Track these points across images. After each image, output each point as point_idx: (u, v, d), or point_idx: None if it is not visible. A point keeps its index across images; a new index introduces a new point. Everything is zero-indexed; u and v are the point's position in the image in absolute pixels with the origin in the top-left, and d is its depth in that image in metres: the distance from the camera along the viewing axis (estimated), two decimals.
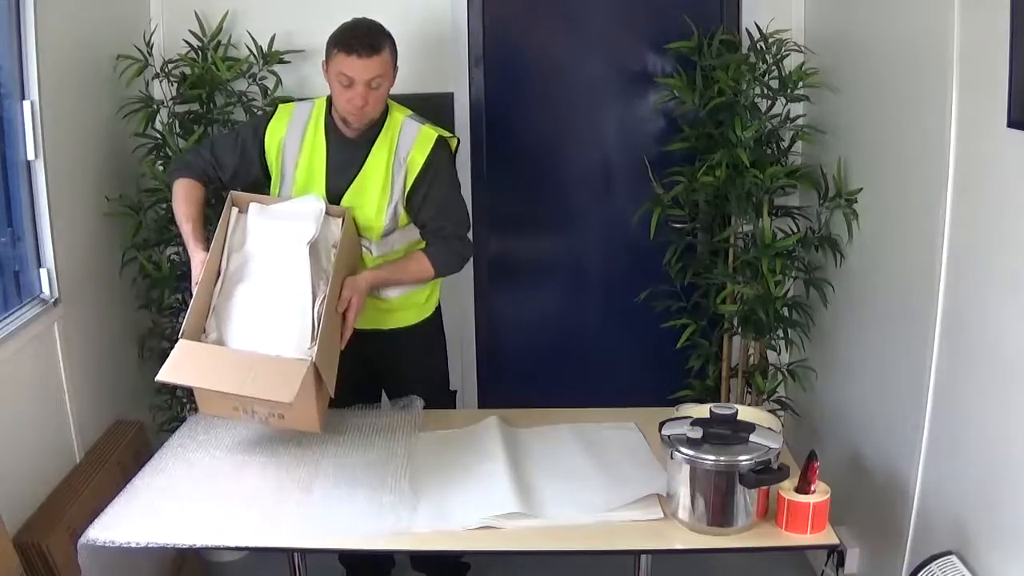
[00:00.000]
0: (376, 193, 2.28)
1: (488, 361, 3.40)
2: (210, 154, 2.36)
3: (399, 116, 2.33)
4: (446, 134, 2.36)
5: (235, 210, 2.20)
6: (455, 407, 2.71)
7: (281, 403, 1.95)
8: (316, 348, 1.98)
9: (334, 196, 2.28)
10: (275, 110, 2.38)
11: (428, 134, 2.31)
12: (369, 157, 2.28)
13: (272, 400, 1.95)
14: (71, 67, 2.58)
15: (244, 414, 2.06)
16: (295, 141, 2.31)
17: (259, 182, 2.39)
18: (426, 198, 2.29)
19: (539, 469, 2.06)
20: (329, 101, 2.32)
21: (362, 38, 2.16)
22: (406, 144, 2.29)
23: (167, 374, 1.97)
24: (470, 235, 2.42)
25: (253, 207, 2.19)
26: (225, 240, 2.15)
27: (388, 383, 2.56)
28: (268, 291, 2.08)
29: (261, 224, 2.16)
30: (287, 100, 2.94)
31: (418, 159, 2.28)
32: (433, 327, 2.58)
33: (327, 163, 2.30)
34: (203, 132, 2.88)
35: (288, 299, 2.06)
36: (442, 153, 2.31)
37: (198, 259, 2.12)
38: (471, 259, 2.47)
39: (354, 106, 2.19)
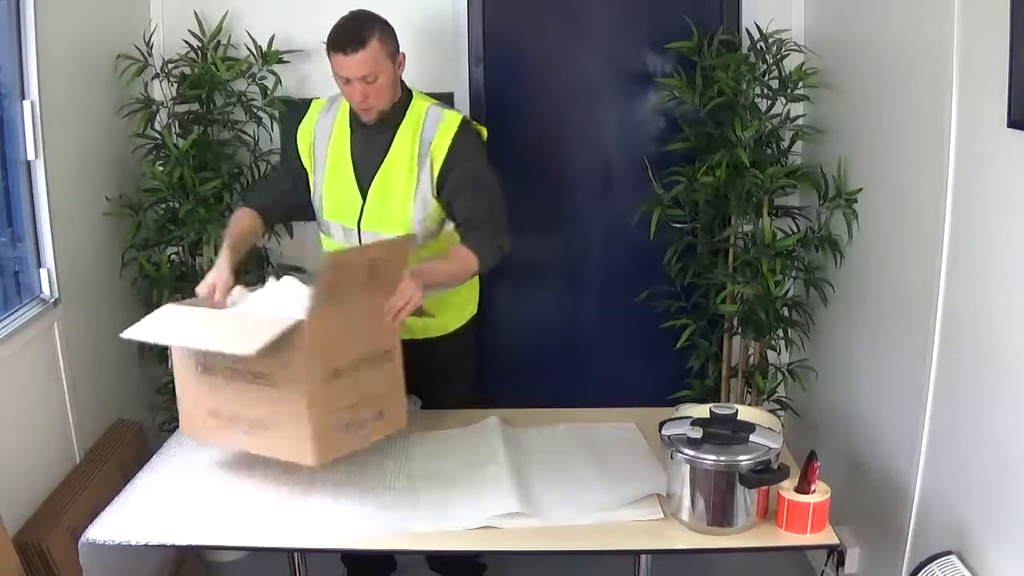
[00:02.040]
0: (401, 180, 2.23)
1: (488, 360, 3.39)
2: (272, 185, 2.47)
3: (423, 104, 2.29)
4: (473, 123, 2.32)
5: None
6: None
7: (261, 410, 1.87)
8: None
9: (363, 185, 2.27)
10: (308, 108, 2.40)
11: (453, 116, 2.25)
12: (393, 144, 2.25)
13: (226, 352, 1.79)
14: (71, 67, 2.58)
15: (224, 428, 1.94)
16: (325, 132, 2.33)
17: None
18: (459, 186, 2.19)
19: (539, 469, 2.06)
20: None
21: (348, 34, 2.12)
22: (430, 129, 2.23)
23: (134, 332, 1.94)
24: (508, 232, 2.22)
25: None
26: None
27: (417, 391, 2.39)
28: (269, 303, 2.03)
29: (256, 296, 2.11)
30: (287, 100, 2.96)
31: (443, 143, 2.21)
32: (471, 333, 2.54)
33: (352, 152, 2.29)
34: (203, 132, 2.88)
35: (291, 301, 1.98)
36: (469, 136, 2.23)
37: (220, 274, 2.09)
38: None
39: (355, 102, 2.19)
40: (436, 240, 2.31)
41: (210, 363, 1.92)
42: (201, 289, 2.05)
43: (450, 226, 2.30)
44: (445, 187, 2.22)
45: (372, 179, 2.26)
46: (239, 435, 1.94)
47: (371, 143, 2.27)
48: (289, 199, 2.40)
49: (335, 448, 1.92)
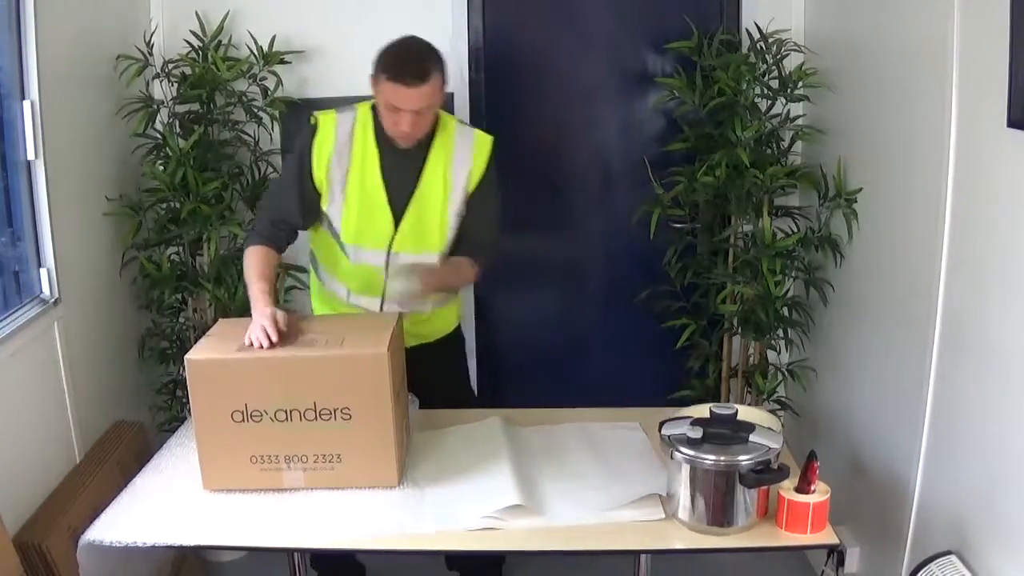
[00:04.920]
0: (439, 201, 2.22)
1: (488, 361, 3.40)
2: (275, 212, 2.26)
3: (450, 122, 2.28)
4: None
5: None
6: None
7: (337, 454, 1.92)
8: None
9: (396, 209, 2.21)
10: (316, 125, 2.22)
11: (483, 137, 2.29)
12: (427, 165, 2.21)
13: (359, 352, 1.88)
14: (71, 67, 2.58)
15: (271, 472, 1.94)
16: (344, 154, 2.20)
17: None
18: (481, 207, 2.27)
19: (542, 466, 2.07)
20: (375, 107, 2.20)
21: (411, 66, 2.05)
22: (465, 150, 2.24)
23: (199, 352, 1.91)
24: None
25: None
26: None
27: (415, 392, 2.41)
28: None
29: None
30: (287, 101, 2.96)
31: (480, 163, 2.25)
32: (460, 335, 2.57)
33: (383, 173, 2.20)
34: (203, 132, 2.88)
35: None
36: (494, 161, 2.30)
37: (265, 313, 1.96)
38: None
39: (400, 131, 2.11)
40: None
41: (257, 408, 1.90)
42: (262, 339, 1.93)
43: None
44: (472, 203, 2.27)
45: (407, 202, 2.21)
46: (295, 474, 1.95)
47: (403, 164, 2.21)
48: (292, 221, 2.26)
49: (402, 466, 2.03)
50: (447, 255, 2.29)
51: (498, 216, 2.35)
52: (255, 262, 2.16)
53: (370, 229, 2.23)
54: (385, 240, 2.23)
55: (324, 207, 2.23)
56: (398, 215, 2.22)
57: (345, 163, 2.20)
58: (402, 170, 2.21)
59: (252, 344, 1.92)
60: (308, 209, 2.25)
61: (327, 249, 2.34)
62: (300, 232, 2.33)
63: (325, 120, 2.23)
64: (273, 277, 2.16)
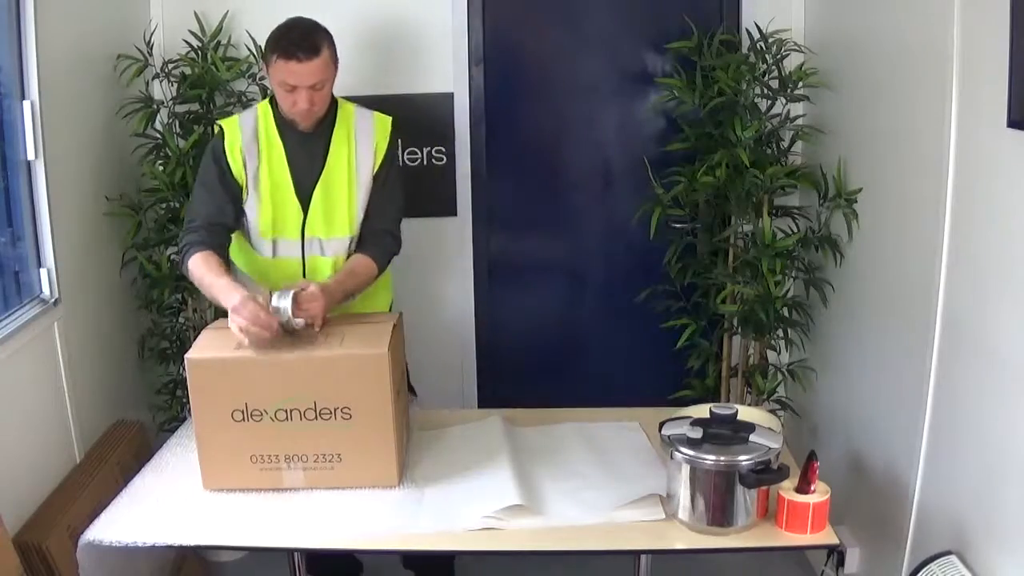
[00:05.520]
0: (345, 182, 2.27)
1: (488, 361, 3.40)
2: (205, 217, 2.25)
3: (349, 105, 2.34)
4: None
5: None
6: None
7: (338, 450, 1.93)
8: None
9: (304, 194, 2.26)
10: (221, 130, 2.27)
11: (384, 118, 2.33)
12: (331, 148, 2.27)
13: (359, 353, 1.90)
14: (71, 67, 2.57)
15: (271, 471, 1.94)
16: (252, 151, 2.26)
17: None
18: (383, 185, 2.30)
19: (542, 466, 2.07)
20: (273, 101, 2.28)
21: (300, 42, 2.12)
22: (366, 130, 2.30)
23: (198, 351, 1.92)
24: (399, 234, 2.37)
25: None
26: None
27: None
28: None
29: None
30: None
31: (382, 142, 2.30)
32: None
33: (289, 162, 2.27)
34: (203, 132, 2.88)
35: None
36: (395, 140, 2.35)
37: (239, 295, 1.94)
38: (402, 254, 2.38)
39: (300, 110, 2.18)
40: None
41: (257, 407, 1.90)
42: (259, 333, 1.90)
43: None
44: (375, 183, 2.30)
45: (313, 186, 2.26)
46: (295, 473, 1.95)
47: (308, 151, 2.27)
48: (225, 221, 2.26)
49: (402, 466, 2.04)
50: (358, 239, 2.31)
51: (398, 203, 2.36)
52: (206, 269, 2.12)
53: (284, 218, 2.28)
54: (298, 227, 2.28)
55: (245, 200, 2.28)
56: (305, 200, 2.27)
57: (254, 159, 2.27)
58: (308, 156, 2.27)
59: (249, 342, 1.90)
60: (237, 205, 2.28)
61: (245, 254, 2.37)
62: None
63: (229, 123, 2.30)
64: (228, 273, 2.14)
